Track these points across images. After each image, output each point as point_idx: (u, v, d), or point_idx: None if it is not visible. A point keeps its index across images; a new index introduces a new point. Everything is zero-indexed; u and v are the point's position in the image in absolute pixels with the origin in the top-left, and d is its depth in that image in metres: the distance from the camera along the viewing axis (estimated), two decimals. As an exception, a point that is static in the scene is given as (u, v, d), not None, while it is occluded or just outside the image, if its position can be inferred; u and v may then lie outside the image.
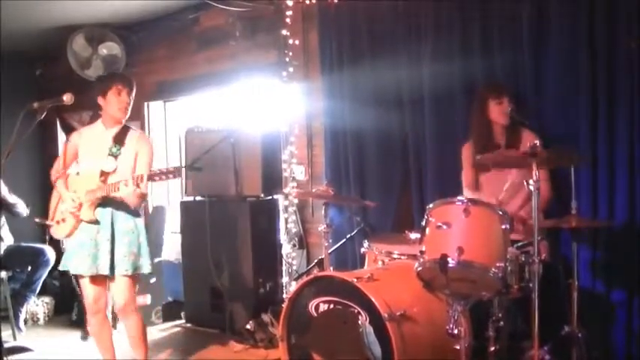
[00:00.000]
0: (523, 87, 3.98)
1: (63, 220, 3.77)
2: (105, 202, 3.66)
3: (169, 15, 6.04)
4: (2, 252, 5.19)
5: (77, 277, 3.84)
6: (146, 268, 3.78)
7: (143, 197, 3.78)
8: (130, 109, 3.79)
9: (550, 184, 3.71)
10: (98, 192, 3.60)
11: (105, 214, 3.69)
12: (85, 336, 4.74)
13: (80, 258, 3.65)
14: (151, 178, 3.35)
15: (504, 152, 3.64)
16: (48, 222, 3.85)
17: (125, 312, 3.76)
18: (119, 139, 3.76)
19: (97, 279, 3.74)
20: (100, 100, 3.75)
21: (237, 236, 5.07)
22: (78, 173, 3.82)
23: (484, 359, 3.15)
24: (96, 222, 3.66)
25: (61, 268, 3.81)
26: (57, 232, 3.85)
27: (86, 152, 3.78)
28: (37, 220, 3.88)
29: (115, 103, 3.72)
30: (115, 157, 3.71)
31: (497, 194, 3.65)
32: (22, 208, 5.34)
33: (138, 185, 3.37)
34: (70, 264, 3.70)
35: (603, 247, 3.73)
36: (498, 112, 3.76)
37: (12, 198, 5.30)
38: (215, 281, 5.03)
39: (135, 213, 3.79)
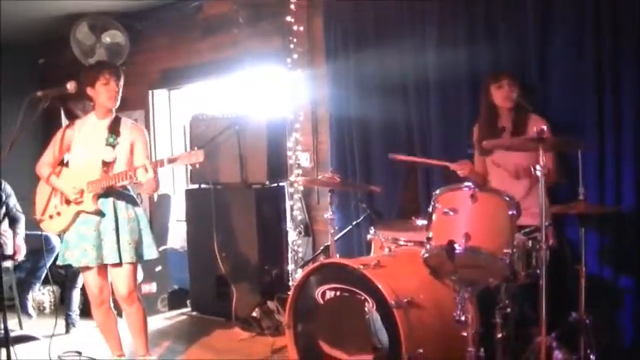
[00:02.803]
0: (528, 74, 3.95)
1: (58, 213, 3.74)
2: (107, 192, 3.66)
3: (173, 3, 6.02)
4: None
5: (81, 269, 3.83)
6: (152, 254, 3.80)
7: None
8: (119, 97, 3.76)
9: (557, 168, 3.65)
10: (103, 182, 3.59)
11: (107, 204, 3.68)
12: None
13: (83, 250, 3.64)
14: (172, 161, 3.41)
15: (510, 139, 3.62)
16: (39, 217, 3.81)
17: (128, 300, 3.75)
18: (114, 129, 3.74)
19: (100, 270, 3.75)
20: (90, 91, 3.72)
21: (243, 224, 5.07)
22: (67, 165, 3.81)
23: (491, 346, 3.14)
24: (99, 213, 3.65)
25: (60, 262, 3.77)
26: (51, 226, 3.80)
27: (81, 144, 3.75)
28: (36, 216, 3.85)
29: (103, 92, 3.69)
30: (113, 146, 3.70)
31: (502, 177, 3.64)
32: (22, 228, 5.28)
33: (155, 171, 3.43)
34: (72, 257, 3.68)
35: (611, 233, 3.71)
36: (500, 96, 3.73)
37: (18, 213, 5.29)
38: (220, 269, 5.02)
39: (134, 202, 3.79)
